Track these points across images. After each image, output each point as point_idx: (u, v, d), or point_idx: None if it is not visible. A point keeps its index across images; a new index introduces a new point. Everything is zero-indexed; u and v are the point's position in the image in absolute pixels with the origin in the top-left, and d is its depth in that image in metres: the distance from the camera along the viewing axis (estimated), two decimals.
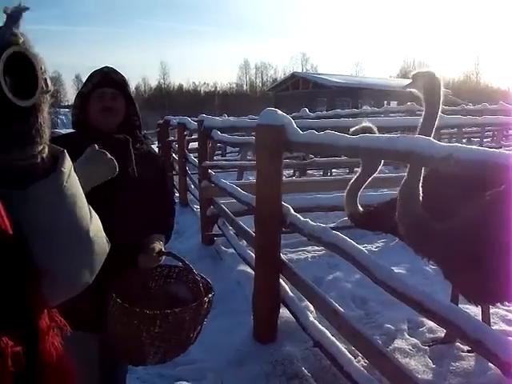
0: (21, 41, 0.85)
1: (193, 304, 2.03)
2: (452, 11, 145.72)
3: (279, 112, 3.46)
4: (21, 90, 0.78)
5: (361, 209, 3.24)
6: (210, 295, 2.11)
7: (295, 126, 3.34)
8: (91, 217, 1.05)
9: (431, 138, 2.09)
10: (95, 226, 1.06)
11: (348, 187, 3.23)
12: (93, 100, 2.33)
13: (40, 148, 0.89)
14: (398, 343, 3.73)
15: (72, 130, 2.44)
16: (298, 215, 3.41)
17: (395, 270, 2.74)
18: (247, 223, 5.30)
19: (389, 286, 2.41)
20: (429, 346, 3.66)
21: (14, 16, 0.88)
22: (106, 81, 2.34)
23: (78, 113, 2.37)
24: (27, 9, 0.88)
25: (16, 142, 0.85)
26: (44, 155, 0.90)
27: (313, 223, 3.22)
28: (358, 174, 3.24)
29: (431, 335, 3.83)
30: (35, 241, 0.91)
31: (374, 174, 3.19)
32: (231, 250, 5.89)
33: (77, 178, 0.98)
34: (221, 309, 4.04)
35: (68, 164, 0.94)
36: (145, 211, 2.36)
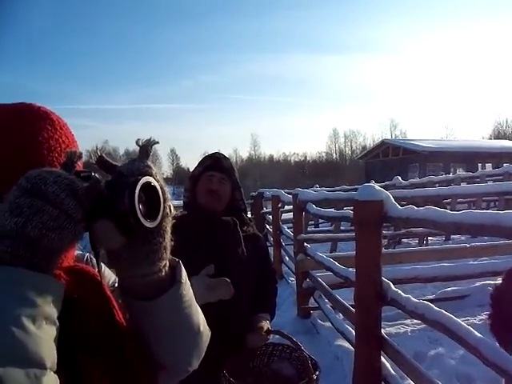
0: (153, 172, 0.94)
1: (301, 382, 2.03)
2: None
3: (377, 187, 3.48)
4: (149, 214, 0.86)
5: None
6: (317, 373, 2.11)
7: (393, 200, 3.34)
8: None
9: None
10: (202, 318, 1.13)
11: None
12: (202, 182, 2.50)
13: (164, 263, 0.97)
14: None
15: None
16: (399, 291, 3.35)
17: None
18: (343, 295, 5.26)
19: (500, 367, 2.31)
20: None
21: (146, 149, 0.96)
22: (216, 165, 2.50)
23: (188, 194, 2.54)
24: (157, 142, 0.97)
25: (145, 260, 0.93)
26: (166, 268, 0.98)
27: (415, 300, 3.15)
28: None
29: None
30: (154, 340, 1.01)
31: None
32: (328, 324, 5.81)
33: (189, 284, 1.06)
34: None
35: (184, 274, 1.03)
36: (251, 291, 2.44)
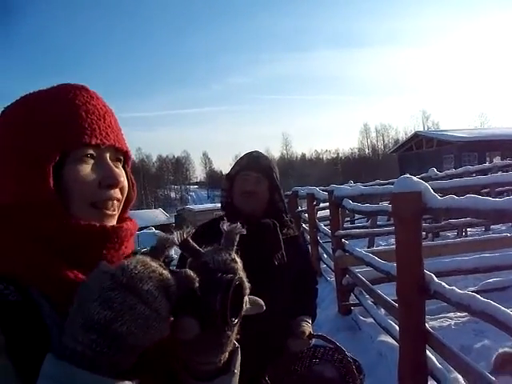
0: (239, 266, 0.93)
1: None
2: None
3: (414, 179, 3.42)
4: (233, 312, 0.85)
5: None
6: (361, 376, 2.07)
7: (432, 191, 3.28)
8: None
9: None
10: None
11: None
12: (237, 182, 2.43)
13: (227, 353, 0.96)
14: None
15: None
16: (443, 283, 3.29)
17: None
18: (384, 290, 5.20)
19: None
20: None
21: (232, 236, 0.96)
22: (252, 164, 2.42)
23: (225, 195, 2.47)
24: (243, 231, 0.97)
25: (213, 350, 0.92)
26: (227, 356, 0.97)
27: (460, 291, 3.09)
28: None
29: None
30: None
31: None
32: (370, 320, 5.76)
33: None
34: (365, 382, 3.94)
35: (238, 363, 1.00)
36: (291, 294, 2.39)
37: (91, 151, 0.98)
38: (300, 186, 16.23)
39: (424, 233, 11.92)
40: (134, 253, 0.97)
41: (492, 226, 11.96)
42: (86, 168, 0.97)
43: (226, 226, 0.98)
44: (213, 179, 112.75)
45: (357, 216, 16.03)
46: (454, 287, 3.20)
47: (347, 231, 8.38)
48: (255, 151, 2.52)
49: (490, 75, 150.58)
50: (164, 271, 0.81)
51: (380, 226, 11.60)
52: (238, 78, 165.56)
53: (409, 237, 3.45)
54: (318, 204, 10.23)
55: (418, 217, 3.40)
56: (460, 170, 14.94)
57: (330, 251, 7.90)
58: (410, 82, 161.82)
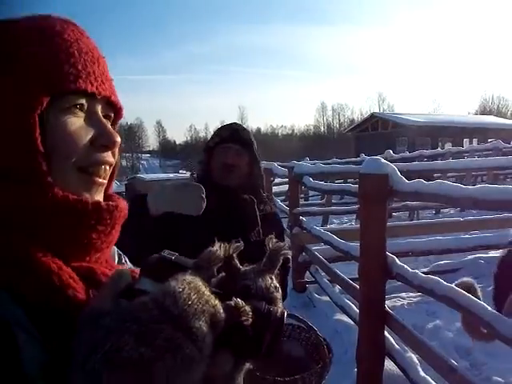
0: (280, 296, 0.82)
1: (318, 366, 1.98)
2: None
3: (382, 160, 3.42)
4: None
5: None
6: (330, 355, 2.06)
7: (399, 174, 3.29)
8: None
9: None
10: None
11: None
12: (217, 154, 2.35)
13: None
14: None
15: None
16: (405, 265, 3.32)
17: None
18: (340, 269, 5.24)
19: None
20: None
21: (275, 258, 0.84)
22: (234, 136, 2.34)
23: (203, 168, 2.40)
24: (286, 254, 0.84)
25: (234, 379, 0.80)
26: None
27: (423, 274, 3.12)
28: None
29: None
30: None
31: None
32: (325, 298, 5.81)
33: None
34: None
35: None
36: None
37: (83, 101, 0.78)
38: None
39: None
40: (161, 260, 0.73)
41: (442, 210, 12.26)
42: (76, 121, 0.77)
43: (271, 242, 0.85)
44: (165, 148, 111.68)
45: (311, 193, 16.15)
46: (416, 270, 3.23)
47: (305, 209, 8.42)
48: (234, 123, 2.45)
49: (443, 62, 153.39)
50: (216, 302, 0.67)
51: (335, 205, 11.72)
52: (194, 47, 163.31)
53: (373, 218, 3.47)
54: (274, 179, 10.23)
55: (383, 199, 3.40)
56: (415, 153, 15.27)
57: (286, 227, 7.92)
58: (368, 64, 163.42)
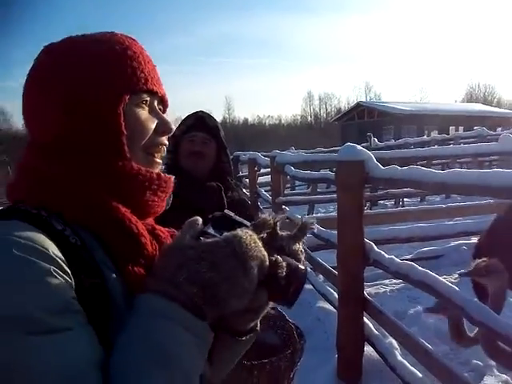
0: (304, 258, 0.99)
1: (287, 351, 1.99)
2: None
3: (358, 147, 3.44)
4: None
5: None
6: (301, 342, 2.06)
7: (375, 161, 3.30)
8: None
9: None
10: None
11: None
12: (184, 143, 2.36)
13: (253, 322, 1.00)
14: (488, 380, 3.59)
15: None
16: (382, 252, 3.34)
17: None
18: (322, 257, 5.26)
19: (486, 325, 2.31)
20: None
21: (305, 229, 0.99)
22: (199, 125, 2.36)
23: (170, 156, 2.40)
24: (313, 229, 0.99)
25: (257, 319, 0.97)
26: None
27: (398, 260, 3.15)
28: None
29: None
30: (216, 367, 1.05)
31: None
32: (308, 286, 5.81)
33: None
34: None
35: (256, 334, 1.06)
36: None
37: (148, 98, 1.01)
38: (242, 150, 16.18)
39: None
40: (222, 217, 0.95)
41: (427, 197, 12.29)
42: (145, 113, 1.00)
43: (303, 217, 1.01)
44: None
45: (297, 183, 16.16)
46: (392, 256, 3.25)
47: (288, 198, 8.42)
48: (200, 111, 2.45)
49: (431, 51, 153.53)
50: (266, 253, 0.86)
51: (320, 194, 11.73)
52: (179, 38, 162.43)
53: (351, 205, 3.48)
54: (259, 169, 10.22)
55: (360, 185, 3.42)
56: (400, 141, 15.31)
57: None
58: (355, 53, 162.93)
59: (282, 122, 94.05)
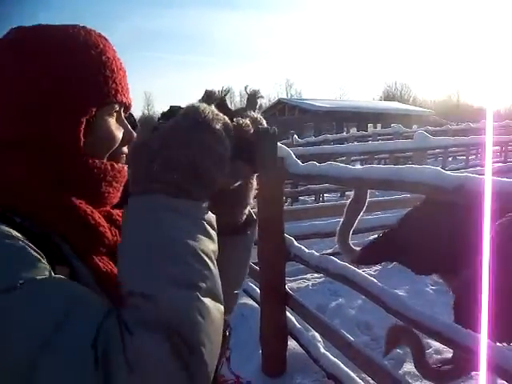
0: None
1: None
2: (432, 33, 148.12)
3: (278, 144, 3.47)
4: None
5: (357, 249, 3.18)
6: (228, 329, 2.07)
7: (294, 157, 3.34)
8: None
9: (439, 169, 2.08)
10: None
11: (338, 234, 3.18)
12: None
13: (246, 210, 1.01)
14: (408, 367, 3.70)
15: None
16: (302, 247, 3.39)
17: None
18: None
19: (402, 314, 2.40)
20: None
21: (254, 99, 0.99)
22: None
23: None
24: (262, 97, 0.99)
25: (246, 200, 0.99)
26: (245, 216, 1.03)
27: (318, 254, 3.21)
28: (344, 219, 3.20)
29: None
30: (230, 268, 1.02)
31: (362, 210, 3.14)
32: None
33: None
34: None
35: (254, 232, 1.07)
36: None
37: (118, 108, 1.01)
38: None
39: (284, 197, 12.25)
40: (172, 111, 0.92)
41: (347, 193, 12.57)
42: (114, 123, 1.00)
43: (248, 89, 0.99)
44: None
45: None
46: (313, 251, 3.31)
47: None
48: None
49: (349, 49, 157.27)
50: (225, 116, 0.84)
51: None
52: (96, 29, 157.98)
53: (270, 201, 3.51)
54: None
55: (279, 182, 3.45)
56: (320, 138, 15.58)
57: None
58: (275, 50, 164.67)
59: None
